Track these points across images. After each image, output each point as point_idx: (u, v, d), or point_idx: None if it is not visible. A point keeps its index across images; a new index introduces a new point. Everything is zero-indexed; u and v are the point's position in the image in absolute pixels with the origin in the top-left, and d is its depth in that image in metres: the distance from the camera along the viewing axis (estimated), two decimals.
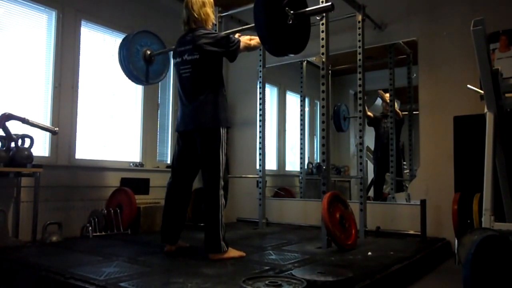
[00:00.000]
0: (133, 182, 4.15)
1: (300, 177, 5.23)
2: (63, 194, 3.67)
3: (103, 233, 3.66)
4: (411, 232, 3.73)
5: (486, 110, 2.52)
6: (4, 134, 3.21)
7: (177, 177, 2.88)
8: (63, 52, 3.76)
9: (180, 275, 2.14)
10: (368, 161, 4.63)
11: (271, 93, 5.47)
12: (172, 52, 3.08)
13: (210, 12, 2.85)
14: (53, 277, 2.16)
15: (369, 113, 4.87)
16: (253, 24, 2.49)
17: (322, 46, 3.14)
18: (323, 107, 3.12)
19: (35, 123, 3.32)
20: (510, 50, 3.56)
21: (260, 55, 4.33)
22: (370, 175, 4.79)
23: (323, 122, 3.11)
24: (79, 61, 3.89)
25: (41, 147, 3.62)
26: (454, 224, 3.22)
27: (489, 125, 2.47)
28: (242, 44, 2.78)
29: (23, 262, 2.51)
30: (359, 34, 3.80)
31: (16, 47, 3.52)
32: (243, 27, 3.04)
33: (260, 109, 4.38)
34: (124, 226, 3.77)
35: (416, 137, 4.25)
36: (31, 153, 3.28)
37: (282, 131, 5.53)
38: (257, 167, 4.44)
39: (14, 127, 3.26)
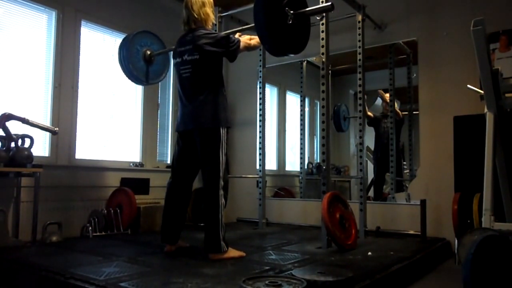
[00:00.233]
0: (133, 182, 4.15)
1: (300, 177, 5.23)
2: (63, 194, 3.67)
3: (103, 233, 3.66)
4: (411, 232, 3.73)
5: (486, 110, 2.52)
6: (4, 134, 3.21)
7: (177, 177, 2.88)
8: (63, 52, 3.76)
9: (180, 275, 2.14)
10: (368, 161, 4.63)
11: (271, 93, 5.47)
12: (172, 52, 3.08)
13: (210, 12, 2.85)
14: (53, 277, 2.16)
15: (369, 113, 4.87)
16: (253, 24, 2.49)
17: (322, 46, 3.14)
18: (323, 107, 3.12)
19: (35, 123, 3.32)
20: (510, 50, 3.57)
21: (260, 55, 4.33)
22: (370, 175, 4.79)
23: (323, 122, 3.11)
24: (79, 61, 3.90)
25: (41, 147, 3.62)
26: (454, 224, 3.22)
27: (489, 125, 2.47)
28: (242, 44, 2.78)
29: (23, 262, 2.51)
30: (359, 34, 3.80)
31: (16, 47, 3.53)
32: (243, 27, 3.04)
33: (260, 109, 4.38)
34: (124, 226, 3.77)
35: (416, 137, 4.25)
36: (31, 153, 3.28)
37: (282, 131, 5.53)
38: (257, 167, 4.44)
39: (14, 127, 3.26)
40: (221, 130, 2.70)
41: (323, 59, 3.12)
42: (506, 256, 1.90)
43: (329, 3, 2.53)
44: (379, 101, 5.03)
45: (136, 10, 4.38)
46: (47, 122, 3.62)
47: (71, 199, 3.72)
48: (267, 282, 1.84)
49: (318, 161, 4.57)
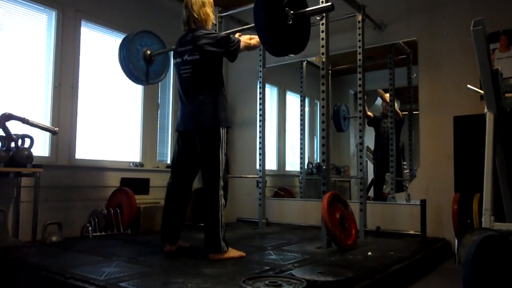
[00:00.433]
0: (133, 182, 4.15)
1: (300, 177, 5.23)
2: (63, 194, 3.67)
3: (103, 233, 3.66)
4: (411, 232, 3.73)
5: (486, 110, 2.52)
6: (4, 134, 3.21)
7: (177, 177, 2.88)
8: (63, 52, 3.76)
9: (180, 275, 2.14)
10: (368, 161, 4.63)
11: (271, 93, 5.47)
12: (172, 52, 3.08)
13: (210, 12, 2.85)
14: (53, 277, 2.16)
15: (369, 113, 4.87)
16: (253, 24, 2.49)
17: (322, 46, 3.14)
18: (323, 107, 3.12)
19: (35, 123, 3.32)
20: (510, 50, 3.57)
21: (260, 55, 4.33)
22: (370, 175, 4.79)
23: (323, 122, 3.11)
24: (79, 61, 3.90)
25: (41, 147, 3.62)
26: (454, 224, 3.22)
27: (489, 125, 2.47)
28: (242, 44, 2.78)
29: (23, 262, 2.51)
30: (359, 34, 3.80)
31: (16, 47, 3.53)
32: (243, 27, 3.04)
33: (260, 109, 4.38)
34: (124, 226, 3.77)
35: (416, 137, 4.25)
36: (31, 153, 3.28)
37: (282, 131, 5.53)
38: (257, 167, 4.44)
39: (14, 127, 3.26)
40: (221, 130, 2.70)
41: (323, 59, 3.12)
42: (506, 256, 1.90)
43: (329, 4, 2.53)
44: (379, 101, 5.03)
45: (136, 10, 4.38)
46: (47, 122, 3.62)
47: (71, 199, 3.72)
48: (267, 282, 1.83)
49: (318, 161, 4.57)
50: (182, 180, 2.88)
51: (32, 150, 3.31)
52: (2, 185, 3.30)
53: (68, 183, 3.71)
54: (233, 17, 4.41)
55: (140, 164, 4.37)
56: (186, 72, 2.77)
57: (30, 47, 3.62)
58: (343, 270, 2.21)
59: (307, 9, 2.56)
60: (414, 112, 4.51)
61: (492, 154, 2.40)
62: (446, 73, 3.88)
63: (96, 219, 3.69)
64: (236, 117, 5.11)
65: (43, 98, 3.68)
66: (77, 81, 3.87)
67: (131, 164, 4.31)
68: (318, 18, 3.12)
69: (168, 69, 3.65)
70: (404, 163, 4.79)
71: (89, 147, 4.01)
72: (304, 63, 5.21)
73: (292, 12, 2.45)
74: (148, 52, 3.42)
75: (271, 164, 5.28)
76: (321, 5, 2.85)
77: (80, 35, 3.92)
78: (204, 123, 2.69)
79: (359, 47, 3.79)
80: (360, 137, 3.85)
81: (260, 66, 4.37)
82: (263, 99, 4.36)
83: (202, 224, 3.76)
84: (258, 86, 4.47)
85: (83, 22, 3.95)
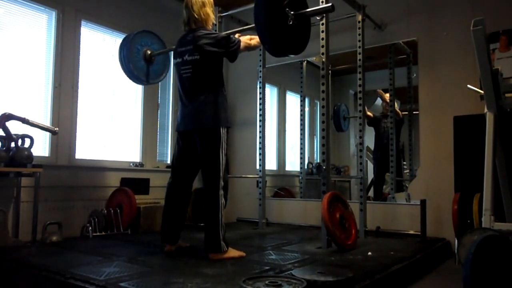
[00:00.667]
0: (133, 182, 4.15)
1: (300, 177, 5.23)
2: (63, 194, 3.67)
3: (103, 233, 3.66)
4: (411, 232, 3.73)
5: (486, 110, 2.52)
6: (4, 134, 3.21)
7: (177, 177, 2.88)
8: (63, 52, 3.76)
9: (180, 275, 2.14)
10: (368, 161, 4.63)
11: (271, 93, 5.47)
12: (172, 52, 3.08)
13: (210, 12, 2.85)
14: (53, 277, 2.16)
15: (369, 113, 4.87)
16: (253, 25, 2.49)
17: (322, 46, 3.14)
18: (323, 107, 3.12)
19: (35, 123, 3.32)
20: (510, 50, 3.57)
21: (260, 55, 4.33)
22: (370, 175, 4.78)
23: (323, 122, 3.11)
24: (79, 61, 3.89)
25: (41, 147, 3.62)
26: (454, 224, 3.22)
27: (489, 125, 2.47)
28: (242, 44, 2.78)
29: (23, 262, 2.51)
30: (359, 34, 3.80)
31: (16, 47, 3.53)
32: (244, 27, 3.04)
33: (260, 109, 4.38)
34: (124, 226, 3.77)
35: (416, 137, 4.25)
36: (31, 153, 3.28)
37: (282, 131, 5.53)
38: (257, 167, 4.44)
39: (14, 127, 3.26)
40: (221, 130, 2.70)
41: (323, 59, 3.12)
42: (506, 256, 1.90)
43: (330, 4, 2.53)
44: (379, 101, 5.03)
45: (136, 10, 4.38)
46: (47, 122, 3.62)
47: (71, 199, 3.72)
48: (267, 282, 1.84)
49: (318, 161, 4.57)
50: (182, 180, 2.88)
51: (32, 150, 3.31)
52: (2, 185, 3.30)
53: (68, 183, 3.71)
54: (233, 17, 4.41)
55: (140, 164, 4.37)
56: (186, 72, 2.77)
57: (30, 47, 3.62)
58: (343, 270, 2.21)
59: (308, 9, 2.56)
60: (414, 112, 4.51)
61: (492, 154, 2.40)
62: (446, 73, 3.88)
63: (96, 219, 3.69)
64: (236, 117, 5.11)
65: (43, 98, 3.68)
66: (77, 81, 3.87)
67: (131, 164, 4.31)
68: (318, 18, 3.12)
69: (168, 69, 3.65)
70: (404, 163, 4.80)
71: (89, 147, 4.01)
72: (304, 63, 5.21)
73: (292, 12, 2.45)
74: (149, 52, 3.42)
75: (271, 164, 5.28)
76: (321, 6, 2.85)
77: (80, 35, 3.92)
78: (205, 123, 2.69)
79: (359, 47, 3.79)
80: (360, 137, 3.85)
81: (260, 66, 4.37)
82: (263, 99, 4.36)
83: (202, 224, 3.77)
84: (258, 86, 4.47)
85: (83, 22, 3.95)
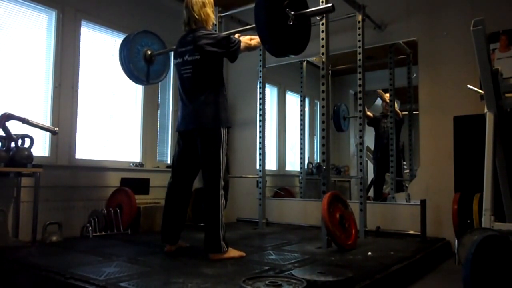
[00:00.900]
0: (133, 182, 4.15)
1: (300, 177, 5.23)
2: (63, 194, 3.67)
3: (103, 233, 3.66)
4: (411, 232, 3.73)
5: (486, 110, 2.52)
6: (4, 134, 3.21)
7: (177, 177, 2.88)
8: (63, 52, 3.76)
9: (180, 275, 2.14)
10: (368, 161, 4.63)
11: (271, 93, 5.47)
12: (172, 52, 3.08)
13: (210, 13, 2.85)
14: (53, 277, 2.16)
15: (369, 113, 4.87)
16: (253, 25, 2.49)
17: (322, 46, 3.15)
18: (323, 107, 3.12)
19: (35, 123, 3.32)
20: (510, 50, 3.57)
21: (260, 55, 4.33)
22: (370, 175, 4.78)
23: (323, 122, 3.11)
24: (79, 61, 3.90)
25: (41, 147, 3.62)
26: (454, 224, 3.22)
27: (489, 125, 2.47)
28: (242, 45, 2.78)
29: (23, 262, 2.51)
30: (359, 34, 3.80)
31: (16, 47, 3.53)
32: (244, 27, 3.05)
33: (260, 109, 4.38)
34: (124, 226, 3.77)
35: (416, 137, 4.25)
36: (31, 153, 3.28)
37: (282, 131, 5.53)
38: (257, 167, 4.44)
39: (14, 127, 3.26)
40: (221, 130, 2.70)
41: (323, 59, 3.12)
42: (506, 256, 1.90)
43: (330, 4, 2.53)
44: (379, 101, 5.03)
45: (136, 10, 4.38)
46: (47, 122, 3.62)
47: (71, 199, 3.72)
48: (267, 282, 1.84)
49: (318, 161, 4.57)
50: (183, 180, 2.88)
51: (32, 150, 3.31)
52: (2, 185, 3.30)
53: (68, 183, 3.71)
54: (233, 17, 4.41)
55: (140, 164, 4.37)
56: (186, 72, 2.77)
57: (30, 47, 3.62)
58: (343, 270, 2.21)
59: (308, 9, 2.56)
60: (414, 112, 4.51)
61: (492, 154, 2.40)
62: (446, 73, 3.88)
63: (96, 219, 3.69)
64: (236, 117, 5.11)
65: (43, 98, 3.68)
66: (77, 81, 3.87)
67: (131, 164, 4.31)
68: (318, 18, 3.12)
69: (169, 70, 3.65)
70: (404, 163, 4.80)
71: (89, 147, 4.01)
72: (304, 63, 5.21)
73: (292, 12, 2.45)
74: (149, 52, 3.42)
75: (271, 164, 5.28)
76: (321, 6, 2.85)
77: (80, 35, 3.92)
78: (205, 123, 2.69)
79: (359, 47, 3.80)
80: (360, 137, 3.85)
81: (260, 66, 4.37)
82: (263, 99, 4.37)
83: (202, 224, 3.77)
84: (258, 86, 4.47)
85: (83, 22, 3.95)
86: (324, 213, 2.83)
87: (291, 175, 5.53)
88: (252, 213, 4.56)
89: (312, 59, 4.83)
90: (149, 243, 3.23)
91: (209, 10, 2.84)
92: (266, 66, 4.42)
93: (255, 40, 2.84)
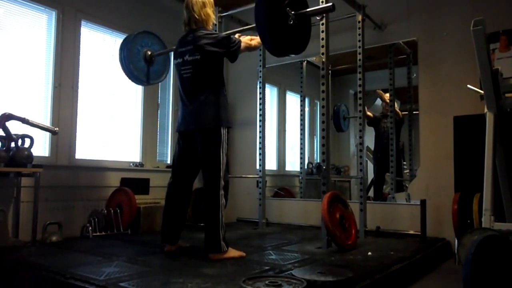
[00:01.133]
0: (133, 182, 4.15)
1: (300, 177, 5.23)
2: (63, 194, 3.67)
3: (103, 233, 3.66)
4: (411, 232, 3.73)
5: (486, 110, 2.52)
6: (4, 134, 3.21)
7: (177, 177, 2.88)
8: (63, 52, 3.76)
9: (180, 275, 2.14)
10: (368, 161, 4.63)
11: (271, 93, 5.47)
12: (172, 53, 3.08)
13: (210, 13, 2.85)
14: (53, 277, 2.16)
15: (369, 113, 4.87)
16: (253, 25, 2.49)
17: (322, 46, 3.15)
18: (323, 107, 3.12)
19: (35, 123, 3.32)
20: (510, 50, 3.57)
21: (260, 55, 4.33)
22: (370, 175, 4.78)
23: (323, 122, 3.11)
24: (79, 61, 3.89)
25: (41, 147, 3.62)
26: (454, 224, 3.22)
27: (489, 125, 2.48)
28: (242, 45, 2.78)
29: (23, 262, 2.51)
30: (359, 34, 3.80)
31: (16, 47, 3.52)
32: (244, 27, 3.05)
33: (260, 109, 4.38)
34: (124, 226, 3.77)
35: (416, 137, 4.25)
36: (31, 153, 3.28)
37: (282, 131, 5.53)
38: (257, 167, 4.44)
39: (14, 127, 3.26)
40: (222, 130, 2.70)
41: (323, 59, 3.12)
42: (506, 256, 1.90)
43: (330, 4, 2.53)
44: (379, 101, 5.03)
45: (136, 10, 4.38)
46: (47, 122, 3.61)
47: (71, 199, 3.72)
48: (267, 282, 1.84)
49: (318, 161, 4.56)
50: (183, 180, 2.88)
51: (32, 150, 3.31)
52: (2, 185, 3.30)
53: (68, 183, 3.71)
54: (233, 17, 4.41)
55: (140, 164, 4.37)
56: (187, 72, 2.77)
57: (30, 47, 3.61)
58: (343, 270, 2.21)
59: (308, 9, 2.56)
60: (414, 112, 4.51)
61: (492, 154, 2.40)
62: (446, 73, 3.89)
63: (96, 219, 3.69)
64: (236, 117, 5.11)
65: (43, 98, 3.68)
66: (77, 81, 3.87)
67: (131, 164, 4.31)
68: (318, 18, 3.12)
69: (169, 70, 3.65)
70: (404, 163, 4.80)
71: (89, 147, 4.00)
72: (304, 63, 5.21)
73: (293, 12, 2.45)
74: (149, 52, 3.43)
75: (271, 164, 5.28)
76: (322, 6, 2.85)
77: (80, 35, 3.91)
78: (205, 123, 2.69)
79: (359, 47, 3.80)
80: (360, 137, 3.85)
81: (260, 66, 4.37)
82: (263, 99, 4.37)
83: (202, 224, 3.77)
84: (258, 86, 4.47)
85: (83, 22, 3.95)
86: (324, 213, 2.83)
87: (291, 175, 5.53)
88: (252, 213, 4.56)
89: (312, 59, 4.84)
90: (149, 243, 3.23)
91: (209, 10, 2.84)
92: (266, 66, 4.42)
93: (255, 40, 2.84)
